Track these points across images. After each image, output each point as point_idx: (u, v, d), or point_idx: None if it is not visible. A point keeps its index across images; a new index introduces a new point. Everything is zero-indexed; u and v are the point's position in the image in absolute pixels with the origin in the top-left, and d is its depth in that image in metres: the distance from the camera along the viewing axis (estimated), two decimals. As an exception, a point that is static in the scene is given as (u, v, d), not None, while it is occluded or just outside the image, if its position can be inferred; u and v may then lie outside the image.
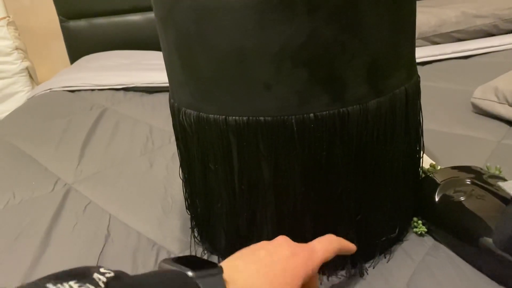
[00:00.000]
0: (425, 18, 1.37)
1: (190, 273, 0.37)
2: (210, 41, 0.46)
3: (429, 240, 0.57)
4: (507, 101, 0.85)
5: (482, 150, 0.78)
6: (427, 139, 0.81)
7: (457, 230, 0.54)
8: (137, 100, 1.15)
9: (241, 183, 0.50)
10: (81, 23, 1.62)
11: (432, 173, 0.62)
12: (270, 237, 0.46)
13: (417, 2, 1.54)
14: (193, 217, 0.61)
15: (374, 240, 0.54)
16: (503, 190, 0.53)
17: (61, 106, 1.10)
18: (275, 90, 0.45)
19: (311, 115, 0.46)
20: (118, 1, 1.59)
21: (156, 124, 1.00)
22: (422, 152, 0.59)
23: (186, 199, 0.59)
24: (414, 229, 0.58)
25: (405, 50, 0.50)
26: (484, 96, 0.89)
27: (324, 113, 0.46)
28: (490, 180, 0.57)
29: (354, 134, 0.47)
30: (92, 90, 1.21)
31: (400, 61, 0.49)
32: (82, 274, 0.33)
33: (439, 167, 0.67)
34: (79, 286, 0.31)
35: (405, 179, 0.55)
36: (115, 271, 0.34)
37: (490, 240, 0.49)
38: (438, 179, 0.60)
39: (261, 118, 0.46)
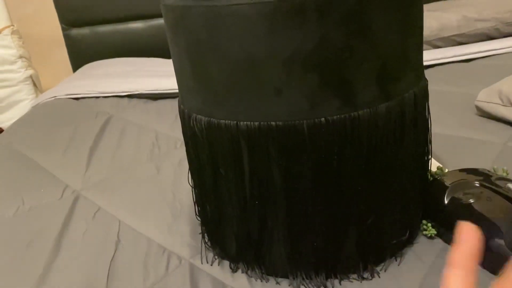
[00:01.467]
0: (426, 22, 1.37)
1: None
2: (221, 47, 0.47)
3: (439, 243, 0.57)
4: (511, 103, 0.86)
5: (488, 152, 0.78)
6: (434, 143, 0.81)
7: (467, 232, 0.54)
8: (141, 107, 1.16)
9: (252, 188, 0.50)
10: (84, 31, 1.63)
11: (440, 176, 0.62)
12: (281, 242, 0.47)
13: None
14: (203, 223, 0.61)
15: (385, 243, 0.54)
16: (513, 192, 0.53)
17: (66, 114, 1.10)
18: (286, 95, 0.46)
19: (322, 119, 0.46)
20: (120, 9, 1.60)
21: (162, 130, 1.00)
22: (430, 155, 0.59)
23: (195, 205, 0.60)
24: (424, 232, 0.59)
25: (413, 54, 0.50)
26: (488, 99, 0.89)
27: (335, 117, 0.46)
28: (499, 182, 0.58)
29: (364, 137, 0.47)
30: (97, 97, 1.21)
31: (409, 65, 0.50)
32: None
33: (446, 170, 0.67)
34: None
35: (414, 182, 0.56)
36: None
37: (501, 242, 0.50)
38: (447, 182, 0.60)
39: (272, 123, 0.47)
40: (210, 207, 0.57)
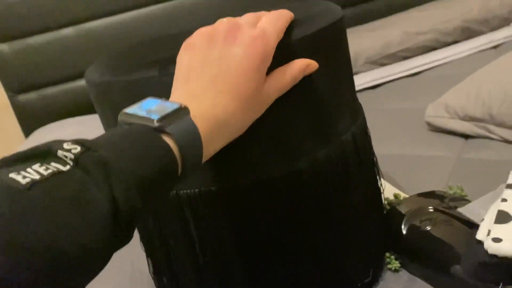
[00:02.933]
0: (370, 43, 1.40)
1: (153, 121, 0.34)
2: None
3: (404, 275, 0.56)
4: (458, 116, 0.87)
5: (443, 168, 0.79)
6: (388, 164, 0.81)
7: (428, 261, 0.54)
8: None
9: (204, 255, 0.48)
10: (31, 95, 1.59)
11: (397, 204, 0.62)
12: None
13: (359, 26, 1.60)
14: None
15: None
16: (464, 215, 0.53)
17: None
18: (222, 159, 0.44)
19: (263, 177, 0.45)
20: (65, 68, 1.58)
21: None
22: (382, 189, 0.59)
23: (152, 277, 0.57)
24: (388, 266, 0.58)
25: (346, 96, 0.50)
26: (436, 113, 0.91)
27: (277, 173, 0.45)
28: (452, 204, 0.58)
29: (310, 186, 0.46)
30: (49, 164, 1.18)
31: (343, 107, 0.49)
32: (44, 153, 0.29)
33: (402, 196, 0.67)
34: (46, 169, 0.27)
35: (370, 218, 0.55)
36: (80, 143, 0.30)
37: (459, 267, 0.49)
38: (403, 210, 0.60)
39: (213, 187, 0.45)
40: (166, 278, 0.54)
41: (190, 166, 0.35)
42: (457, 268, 0.49)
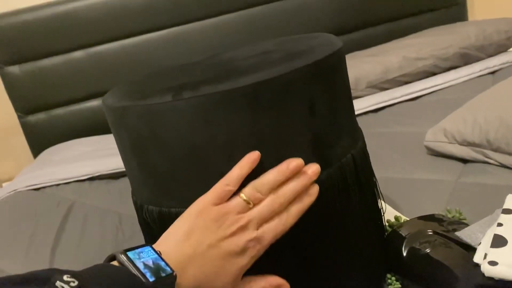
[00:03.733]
0: (371, 68, 1.44)
1: (149, 283, 0.39)
2: (163, 140, 0.48)
3: (405, 296, 0.58)
4: (456, 140, 0.90)
5: (442, 192, 0.81)
6: (388, 188, 0.84)
7: (428, 282, 0.55)
8: (103, 189, 1.15)
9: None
10: (40, 116, 1.63)
11: (397, 226, 0.64)
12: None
13: (361, 51, 1.64)
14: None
15: (352, 308, 0.54)
16: (462, 239, 0.55)
17: (26, 208, 1.08)
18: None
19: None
20: (75, 90, 1.62)
21: (125, 211, 0.99)
22: (383, 210, 0.61)
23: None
24: (389, 286, 0.59)
25: (345, 121, 0.53)
26: (435, 138, 0.94)
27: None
28: (451, 227, 0.60)
29: (311, 209, 0.49)
30: (57, 185, 1.20)
31: (343, 131, 0.52)
32: (44, 280, 0.32)
33: (403, 219, 0.69)
34: None
35: (371, 240, 0.57)
36: (78, 278, 0.34)
37: (458, 289, 0.51)
38: (404, 232, 0.62)
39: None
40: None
41: None
42: (454, 290, 0.51)
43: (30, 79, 1.59)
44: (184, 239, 0.45)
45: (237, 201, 0.45)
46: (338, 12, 1.73)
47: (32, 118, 1.63)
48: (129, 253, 0.42)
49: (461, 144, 0.89)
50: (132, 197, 0.59)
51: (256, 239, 0.45)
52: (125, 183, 1.16)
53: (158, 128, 0.48)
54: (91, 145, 1.46)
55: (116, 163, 1.21)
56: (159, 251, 0.44)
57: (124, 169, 1.18)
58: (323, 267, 0.51)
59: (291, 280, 0.50)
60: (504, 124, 0.83)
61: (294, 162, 0.46)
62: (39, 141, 1.63)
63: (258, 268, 0.49)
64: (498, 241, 0.49)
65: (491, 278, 0.46)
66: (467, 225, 0.60)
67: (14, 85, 1.59)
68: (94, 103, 1.65)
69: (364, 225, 0.54)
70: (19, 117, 1.64)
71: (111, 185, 1.17)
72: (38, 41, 1.56)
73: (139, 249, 0.43)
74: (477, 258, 0.48)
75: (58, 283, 0.32)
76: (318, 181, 0.49)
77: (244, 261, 0.45)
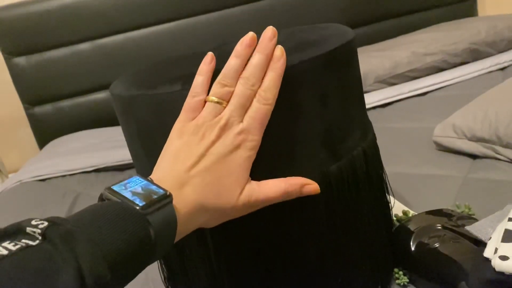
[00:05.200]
0: (379, 62, 1.43)
1: (137, 207, 0.35)
2: (170, 129, 0.48)
3: (412, 290, 0.57)
4: (466, 136, 0.89)
5: (450, 187, 0.80)
6: (397, 183, 0.83)
7: (436, 277, 0.55)
8: (109, 180, 1.15)
9: (219, 263, 0.50)
10: (46, 107, 1.63)
11: (406, 221, 0.63)
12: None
13: (369, 46, 1.63)
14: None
15: (358, 301, 0.54)
16: (472, 233, 0.54)
17: (32, 198, 1.09)
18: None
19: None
20: (81, 82, 1.62)
21: (131, 203, 0.99)
22: (391, 205, 0.60)
23: (165, 286, 0.58)
24: (397, 281, 0.59)
25: (356, 113, 0.52)
26: (444, 133, 0.93)
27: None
28: (460, 222, 0.59)
29: (321, 201, 0.48)
30: (63, 176, 1.20)
31: (354, 123, 0.51)
32: (14, 231, 0.31)
33: (411, 213, 0.69)
34: (14, 245, 0.29)
35: (379, 234, 0.56)
36: (48, 219, 0.32)
37: (465, 284, 0.50)
38: (412, 227, 0.61)
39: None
40: (180, 287, 0.56)
41: (160, 249, 0.37)
42: (463, 285, 0.51)
43: (37, 71, 1.59)
44: (172, 161, 0.42)
45: (209, 106, 0.43)
46: (346, 7, 1.72)
47: (39, 109, 1.63)
48: (114, 187, 0.38)
49: (470, 139, 0.88)
50: (139, 187, 0.58)
51: (244, 130, 0.42)
52: (130, 174, 1.16)
53: (167, 118, 0.47)
54: (97, 137, 1.46)
55: (121, 155, 1.21)
56: (150, 178, 0.40)
57: (130, 161, 1.18)
58: (331, 260, 0.51)
59: (299, 271, 0.49)
60: (515, 120, 0.82)
61: (247, 37, 0.43)
62: (45, 132, 1.64)
63: (270, 257, 0.49)
64: (509, 236, 0.48)
65: (501, 273, 0.45)
66: (476, 220, 0.59)
67: (21, 77, 1.59)
68: (100, 95, 1.65)
69: (372, 219, 0.54)
70: (26, 109, 1.64)
71: (116, 177, 1.17)
72: (45, 33, 1.56)
73: (125, 181, 0.39)
74: (488, 252, 0.48)
75: (28, 229, 0.31)
76: (328, 173, 0.48)
77: (243, 154, 0.42)
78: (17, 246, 0.29)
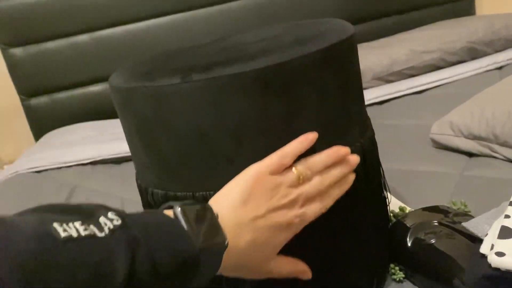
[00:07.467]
0: (377, 59, 1.43)
1: (197, 244, 0.38)
2: (169, 123, 0.48)
3: (407, 286, 0.58)
4: (463, 134, 0.89)
5: (447, 184, 0.80)
6: (393, 179, 0.83)
7: (432, 273, 0.55)
8: (105, 173, 1.15)
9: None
10: (43, 99, 1.62)
11: (402, 217, 0.64)
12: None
13: (367, 43, 1.63)
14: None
15: (354, 296, 0.54)
16: (468, 230, 0.54)
17: (28, 190, 1.08)
18: (238, 163, 0.47)
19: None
20: (78, 74, 1.61)
21: (127, 196, 0.99)
22: (388, 201, 0.61)
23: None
24: (393, 276, 0.59)
25: (355, 109, 0.52)
26: (441, 131, 0.93)
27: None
28: (456, 219, 0.59)
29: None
30: (59, 168, 1.19)
31: (352, 119, 0.52)
32: (88, 214, 0.33)
33: (408, 210, 0.69)
34: (84, 229, 0.31)
35: (376, 230, 0.57)
36: (123, 218, 0.34)
37: (461, 280, 0.51)
38: (408, 223, 0.61)
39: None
40: None
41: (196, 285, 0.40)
42: (459, 281, 0.51)
43: (34, 62, 1.58)
44: (240, 204, 0.43)
45: (290, 174, 0.45)
46: (345, 3, 1.72)
47: (35, 101, 1.62)
48: (187, 210, 0.40)
49: (467, 137, 0.89)
50: (137, 180, 0.58)
51: (301, 216, 0.45)
52: (127, 168, 1.15)
53: (165, 111, 0.47)
54: (93, 130, 1.46)
55: (118, 148, 1.20)
56: (216, 214, 0.42)
57: (127, 154, 1.18)
58: (328, 256, 0.51)
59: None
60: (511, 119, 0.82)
61: (344, 149, 0.47)
62: (41, 124, 1.63)
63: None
64: (506, 233, 0.48)
65: (497, 269, 0.45)
66: (472, 217, 0.60)
67: (17, 67, 1.58)
68: (97, 87, 1.64)
69: (369, 214, 0.54)
70: (22, 100, 1.63)
71: (113, 170, 1.17)
72: (42, 24, 1.55)
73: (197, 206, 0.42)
74: (484, 249, 0.48)
75: (101, 219, 0.32)
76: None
77: (288, 235, 0.45)
78: (86, 232, 0.31)
